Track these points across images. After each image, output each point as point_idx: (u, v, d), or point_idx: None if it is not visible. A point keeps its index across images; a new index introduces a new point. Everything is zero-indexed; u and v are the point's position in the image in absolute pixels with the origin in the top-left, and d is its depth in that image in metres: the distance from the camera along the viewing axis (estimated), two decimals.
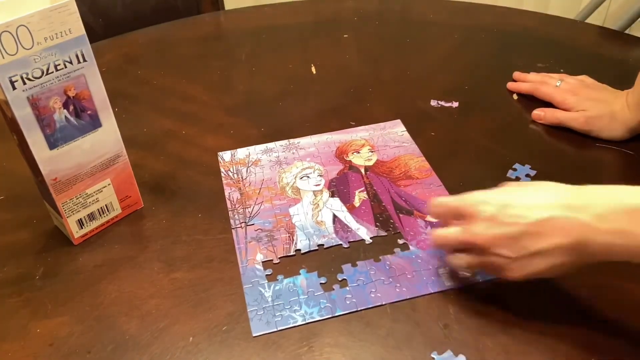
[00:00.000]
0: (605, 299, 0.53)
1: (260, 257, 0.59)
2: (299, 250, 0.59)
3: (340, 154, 0.72)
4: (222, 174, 0.70)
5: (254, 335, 0.52)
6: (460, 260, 0.51)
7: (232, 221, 0.63)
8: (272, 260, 0.59)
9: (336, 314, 0.53)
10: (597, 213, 0.43)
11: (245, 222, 0.63)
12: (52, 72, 0.52)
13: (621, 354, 0.49)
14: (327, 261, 0.58)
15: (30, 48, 0.49)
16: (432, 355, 0.49)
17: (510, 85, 0.83)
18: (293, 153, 0.73)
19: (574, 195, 0.45)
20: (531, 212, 0.45)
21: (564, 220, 0.44)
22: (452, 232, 0.50)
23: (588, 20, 1.58)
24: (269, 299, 0.55)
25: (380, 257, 0.58)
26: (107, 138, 0.59)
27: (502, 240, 0.46)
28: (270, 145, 0.74)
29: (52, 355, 0.51)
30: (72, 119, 0.55)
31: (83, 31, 0.52)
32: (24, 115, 0.51)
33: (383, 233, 0.61)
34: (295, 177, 0.69)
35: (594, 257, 0.44)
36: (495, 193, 0.49)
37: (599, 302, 0.53)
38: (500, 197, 0.48)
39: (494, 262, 0.48)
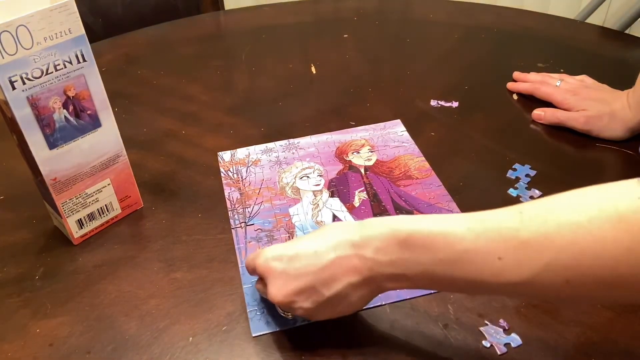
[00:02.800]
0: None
1: (259, 250, 0.59)
2: None
3: (340, 154, 0.72)
4: (222, 174, 0.70)
5: (253, 335, 0.52)
6: (278, 308, 0.51)
7: (231, 221, 0.63)
8: None
9: None
10: (376, 247, 0.43)
11: (245, 222, 0.63)
12: (52, 72, 0.52)
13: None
14: None
15: (30, 48, 0.49)
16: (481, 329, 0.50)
17: (510, 85, 0.83)
18: (293, 153, 0.73)
19: (356, 231, 0.45)
20: (318, 258, 0.45)
21: (350, 258, 0.44)
22: (261, 290, 0.51)
23: (588, 20, 1.58)
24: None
25: None
26: (107, 138, 0.59)
27: (297, 295, 0.46)
28: (270, 145, 0.74)
29: (52, 355, 0.51)
30: (71, 119, 0.55)
31: (83, 31, 0.52)
32: (23, 115, 0.51)
33: None
34: (295, 177, 0.69)
35: (385, 287, 0.45)
36: (286, 245, 0.48)
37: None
38: (290, 248, 0.47)
39: (298, 314, 0.47)
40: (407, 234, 0.42)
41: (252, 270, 0.50)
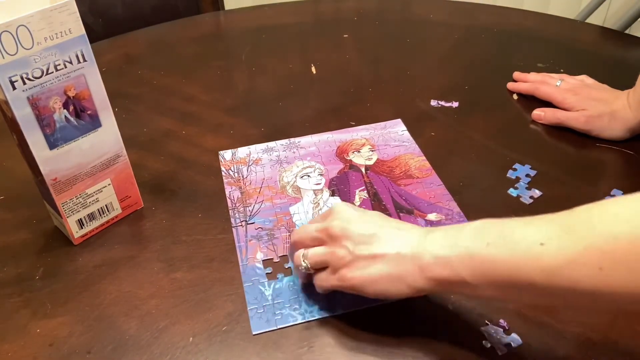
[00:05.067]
0: None
1: (260, 256, 0.59)
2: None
3: (341, 153, 0.72)
4: (223, 173, 0.70)
5: (254, 333, 0.52)
6: (312, 251, 0.51)
7: (232, 220, 0.63)
8: (272, 258, 0.59)
9: (336, 313, 0.53)
10: (435, 255, 0.44)
11: (245, 221, 0.63)
12: (52, 72, 0.52)
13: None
14: None
15: (30, 48, 0.49)
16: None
17: (510, 85, 0.83)
18: (294, 152, 0.73)
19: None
20: (388, 222, 0.49)
21: (410, 235, 0.47)
22: (313, 225, 0.52)
23: (588, 20, 1.58)
24: (269, 298, 0.55)
25: None
26: (107, 138, 0.59)
27: (352, 234, 0.48)
28: (271, 144, 0.74)
29: (52, 355, 0.51)
30: (72, 119, 0.55)
31: (83, 31, 0.52)
32: (24, 115, 0.51)
33: None
34: (296, 176, 0.69)
35: (423, 273, 0.45)
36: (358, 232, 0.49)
37: None
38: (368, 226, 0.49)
39: (338, 255, 0.48)
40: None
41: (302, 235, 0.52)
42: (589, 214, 0.39)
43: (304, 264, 0.51)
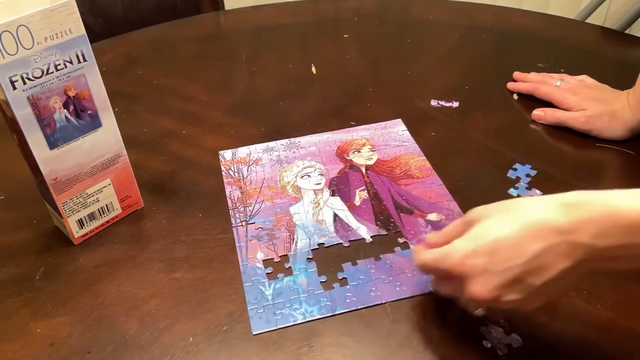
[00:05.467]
0: (609, 298, 0.53)
1: (260, 256, 0.59)
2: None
3: (341, 153, 0.72)
4: (223, 173, 0.70)
5: (254, 333, 0.52)
6: (475, 309, 0.49)
7: (232, 220, 0.63)
8: (272, 258, 0.59)
9: (336, 313, 0.53)
10: (592, 232, 0.40)
11: (246, 221, 0.63)
12: (52, 72, 0.52)
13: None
14: (328, 260, 0.58)
15: (31, 48, 0.49)
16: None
17: (510, 85, 0.83)
18: (294, 152, 0.73)
19: (561, 214, 0.41)
20: (522, 250, 0.42)
21: (561, 247, 0.41)
22: (449, 290, 0.48)
23: (588, 20, 1.58)
24: (270, 297, 0.55)
25: (381, 256, 0.58)
26: (107, 138, 0.59)
27: (504, 289, 0.43)
28: (271, 144, 0.74)
29: (52, 355, 0.51)
30: (72, 118, 0.55)
31: (83, 31, 0.52)
32: (24, 115, 0.51)
33: (383, 232, 0.61)
34: (296, 176, 0.69)
35: (600, 268, 0.42)
36: (474, 238, 0.45)
37: (602, 301, 0.53)
38: (482, 240, 0.44)
39: (505, 307, 0.45)
40: (632, 218, 0.39)
41: (433, 269, 0.48)
42: None
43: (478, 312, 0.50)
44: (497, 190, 0.66)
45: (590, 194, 0.42)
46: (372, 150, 0.73)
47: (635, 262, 0.41)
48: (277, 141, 0.75)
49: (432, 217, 0.62)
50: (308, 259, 0.58)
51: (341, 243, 0.60)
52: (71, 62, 0.53)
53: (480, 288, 0.43)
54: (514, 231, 0.43)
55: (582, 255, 0.41)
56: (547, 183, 0.66)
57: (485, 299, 0.43)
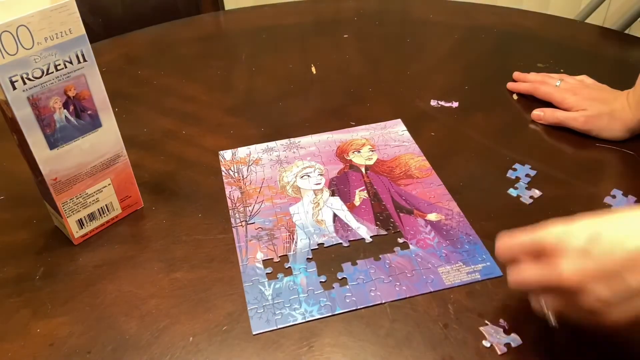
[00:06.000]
0: None
1: (260, 256, 0.59)
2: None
3: (341, 153, 0.72)
4: (223, 173, 0.70)
5: (254, 333, 0.52)
6: (546, 306, 0.43)
7: (232, 220, 0.63)
8: (272, 258, 0.59)
9: (336, 312, 0.53)
10: None
11: (245, 221, 0.63)
12: (52, 72, 0.52)
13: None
14: (327, 260, 0.58)
15: (31, 48, 0.49)
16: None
17: (510, 85, 0.83)
18: (294, 152, 0.73)
19: None
20: (631, 241, 0.38)
21: None
22: (532, 273, 0.43)
23: (588, 20, 1.58)
24: (269, 297, 0.55)
25: (380, 256, 0.58)
26: (107, 138, 0.59)
27: (597, 278, 0.39)
28: (271, 144, 0.74)
29: (52, 355, 0.51)
30: (72, 119, 0.55)
31: (83, 31, 0.52)
32: (24, 115, 0.51)
33: (383, 232, 0.61)
34: (296, 176, 0.69)
35: None
36: (578, 224, 0.42)
37: None
38: (587, 226, 0.41)
39: (587, 306, 0.40)
40: None
41: (520, 248, 0.44)
42: None
43: (552, 321, 0.45)
44: (497, 190, 0.66)
45: None
46: (372, 150, 0.73)
47: None
48: (277, 141, 0.75)
49: (432, 217, 0.62)
50: (308, 259, 0.58)
51: (341, 243, 0.60)
52: (71, 62, 0.53)
53: (571, 267, 0.40)
54: (624, 225, 0.40)
55: None
56: (546, 183, 0.66)
57: (571, 280, 0.39)
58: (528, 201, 0.64)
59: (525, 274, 0.44)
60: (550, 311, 0.43)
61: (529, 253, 0.44)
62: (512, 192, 0.65)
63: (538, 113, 0.76)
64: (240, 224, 0.63)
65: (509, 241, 0.45)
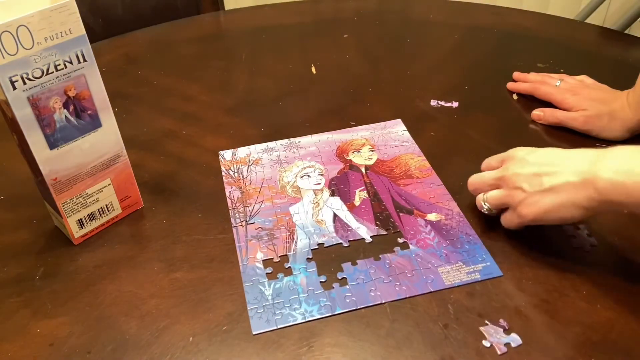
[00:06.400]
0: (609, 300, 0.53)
1: (260, 256, 0.59)
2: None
3: (341, 153, 0.72)
4: (223, 173, 0.70)
5: (254, 333, 0.52)
6: (490, 195, 0.58)
7: (232, 220, 0.63)
8: (272, 258, 0.59)
9: (336, 312, 0.53)
10: (615, 169, 0.48)
11: (245, 221, 0.63)
12: (52, 72, 0.52)
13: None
14: (327, 260, 0.58)
15: (31, 48, 0.49)
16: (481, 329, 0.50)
17: (510, 85, 0.83)
18: (294, 152, 0.73)
19: (595, 155, 0.51)
20: (554, 155, 0.54)
21: (579, 163, 0.51)
22: (488, 173, 0.60)
23: (588, 20, 1.58)
24: (269, 297, 0.55)
25: (380, 256, 0.58)
26: (107, 138, 0.59)
27: (525, 177, 0.54)
28: (271, 144, 0.74)
29: (52, 355, 0.51)
30: (72, 119, 0.55)
31: (83, 31, 0.52)
32: (24, 115, 0.51)
33: (383, 232, 0.61)
34: (296, 176, 0.69)
35: (600, 196, 0.49)
36: (527, 147, 0.58)
37: (602, 301, 0.53)
38: (529, 148, 0.57)
39: (514, 196, 0.55)
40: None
41: (489, 164, 0.61)
42: None
43: (485, 206, 0.59)
44: None
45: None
46: (372, 150, 0.73)
47: (636, 196, 0.47)
48: (277, 141, 0.75)
49: (432, 217, 0.62)
50: (308, 259, 0.58)
51: (341, 243, 0.60)
52: (71, 62, 0.53)
53: (512, 167, 0.56)
54: (551, 150, 0.56)
55: (589, 173, 0.50)
56: None
57: (509, 175, 0.56)
58: None
59: (484, 173, 0.61)
60: (488, 203, 0.59)
61: (496, 163, 0.61)
62: None
63: (538, 113, 0.76)
64: (240, 224, 0.63)
65: (487, 160, 0.63)
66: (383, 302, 0.54)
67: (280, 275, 0.57)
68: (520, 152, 0.57)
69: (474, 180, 0.61)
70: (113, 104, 0.58)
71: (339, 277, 0.56)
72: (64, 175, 0.57)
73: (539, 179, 0.53)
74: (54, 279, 0.58)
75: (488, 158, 0.63)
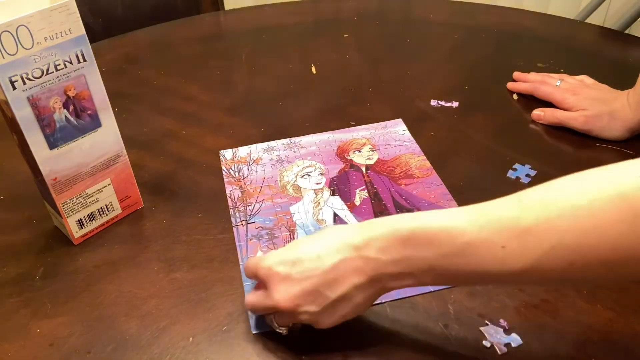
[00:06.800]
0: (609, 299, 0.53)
1: (260, 255, 0.59)
2: None
3: (342, 152, 0.72)
4: (224, 172, 0.70)
5: (253, 332, 0.52)
6: (273, 322, 0.49)
7: (233, 219, 0.63)
8: None
9: None
10: (378, 247, 0.43)
11: (246, 220, 0.63)
12: (52, 72, 0.52)
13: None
14: None
15: (30, 48, 0.49)
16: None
17: (510, 85, 0.83)
18: (294, 152, 0.73)
19: (357, 233, 0.45)
20: (322, 262, 0.45)
21: (354, 260, 0.44)
22: (258, 300, 0.49)
23: (588, 20, 1.58)
24: None
25: None
26: (107, 138, 0.59)
27: (303, 299, 0.45)
28: (272, 143, 0.74)
29: (52, 355, 0.51)
30: (72, 119, 0.55)
31: (83, 31, 0.52)
32: (24, 115, 0.51)
33: None
34: (297, 175, 0.69)
35: (390, 287, 0.45)
36: (287, 250, 0.48)
37: (602, 301, 0.53)
38: (291, 253, 0.47)
39: (303, 320, 0.47)
40: (409, 231, 0.42)
41: (252, 274, 0.50)
42: (542, 206, 0.39)
43: (281, 330, 0.50)
44: (497, 190, 0.66)
45: (384, 219, 0.45)
46: (373, 150, 0.73)
47: (420, 277, 0.43)
48: (277, 141, 0.75)
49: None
50: None
51: None
52: (71, 62, 0.53)
53: (282, 295, 0.46)
54: (318, 247, 0.46)
55: (372, 270, 0.44)
56: None
57: (285, 306, 0.46)
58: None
59: (251, 300, 0.50)
60: (277, 324, 0.49)
61: (256, 279, 0.50)
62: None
63: (538, 113, 0.76)
64: (240, 223, 0.63)
65: (247, 263, 0.51)
66: (383, 302, 0.54)
67: None
68: (279, 270, 0.46)
69: (250, 307, 0.51)
70: (113, 104, 0.58)
71: None
72: (64, 175, 0.57)
73: (321, 295, 0.45)
74: (54, 279, 0.58)
75: (246, 264, 0.51)
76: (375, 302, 0.53)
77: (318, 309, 0.45)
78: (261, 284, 0.49)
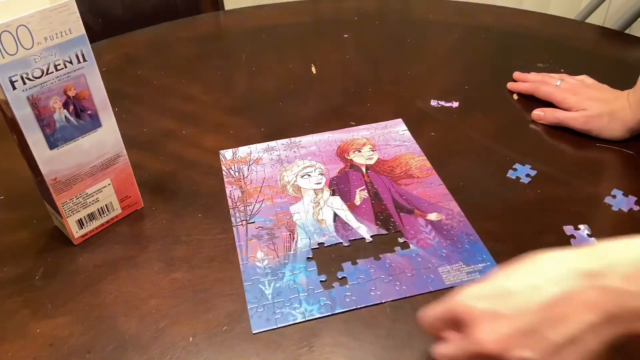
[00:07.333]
0: None
1: (260, 255, 0.59)
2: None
3: (342, 152, 0.72)
4: (224, 172, 0.70)
5: (253, 332, 0.52)
6: None
7: (233, 219, 0.63)
8: (272, 258, 0.59)
9: (336, 312, 0.53)
10: (624, 274, 0.34)
11: (246, 220, 0.63)
12: (52, 72, 0.52)
13: None
14: (328, 259, 0.58)
15: (30, 48, 0.49)
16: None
17: (510, 85, 0.83)
18: (294, 151, 0.73)
19: (588, 257, 0.36)
20: (539, 294, 0.36)
21: (586, 292, 0.35)
22: (454, 349, 0.39)
23: (588, 20, 1.58)
24: (269, 297, 0.55)
25: (381, 256, 0.58)
26: (107, 138, 0.59)
27: (515, 340, 0.36)
28: (272, 143, 0.74)
29: (52, 355, 0.51)
30: (72, 118, 0.55)
31: (83, 31, 0.52)
32: (24, 115, 0.51)
33: (383, 232, 0.61)
34: (297, 175, 0.69)
35: (636, 330, 0.36)
36: (486, 283, 0.39)
37: None
38: (493, 285, 0.38)
39: None
40: None
41: (437, 322, 0.41)
42: None
43: None
44: (497, 190, 0.66)
45: (627, 239, 0.36)
46: (373, 150, 0.73)
47: None
48: (277, 140, 0.75)
49: (432, 217, 0.62)
50: (308, 258, 0.58)
51: (341, 242, 0.60)
52: (71, 62, 0.53)
53: (486, 335, 0.36)
54: (532, 275, 0.37)
55: (612, 305, 0.35)
56: (547, 183, 0.66)
57: (492, 349, 0.36)
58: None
59: (447, 351, 0.40)
60: None
61: (446, 326, 0.41)
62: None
63: (538, 113, 0.76)
64: (240, 223, 0.63)
65: (428, 317, 0.43)
66: (383, 301, 0.54)
67: (280, 274, 0.57)
68: (482, 305, 0.37)
69: (443, 356, 0.41)
70: (113, 104, 0.58)
71: (339, 277, 0.56)
72: (64, 175, 0.57)
73: (540, 335, 0.35)
74: (54, 279, 0.58)
75: (425, 317, 0.43)
76: (375, 302, 0.53)
77: (534, 354, 0.35)
78: (448, 329, 0.40)
